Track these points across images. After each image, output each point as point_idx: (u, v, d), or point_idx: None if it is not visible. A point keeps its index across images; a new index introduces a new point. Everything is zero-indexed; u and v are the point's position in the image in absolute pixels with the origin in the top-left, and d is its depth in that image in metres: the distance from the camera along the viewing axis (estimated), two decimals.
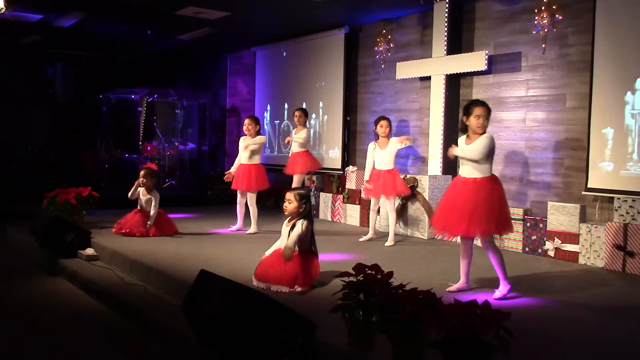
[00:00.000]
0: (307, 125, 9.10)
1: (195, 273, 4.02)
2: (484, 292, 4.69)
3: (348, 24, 9.42)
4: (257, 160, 7.58)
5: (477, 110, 4.69)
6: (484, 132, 4.71)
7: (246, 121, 7.65)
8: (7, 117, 11.74)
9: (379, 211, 7.75)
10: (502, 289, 4.64)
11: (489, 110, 4.76)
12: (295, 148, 8.61)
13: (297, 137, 8.56)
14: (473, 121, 4.71)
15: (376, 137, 7.10)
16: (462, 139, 4.87)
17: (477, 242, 5.13)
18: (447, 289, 4.77)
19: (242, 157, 7.59)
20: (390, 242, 6.89)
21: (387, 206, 7.06)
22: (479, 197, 4.56)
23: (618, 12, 6.13)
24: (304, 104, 10.35)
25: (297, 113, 8.66)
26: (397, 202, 7.52)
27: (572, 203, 6.32)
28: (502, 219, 4.62)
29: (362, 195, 8.30)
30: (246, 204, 7.59)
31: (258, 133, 7.64)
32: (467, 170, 4.69)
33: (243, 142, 7.61)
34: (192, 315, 3.80)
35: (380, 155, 6.99)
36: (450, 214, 4.67)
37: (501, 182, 4.83)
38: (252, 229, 7.47)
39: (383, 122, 7.01)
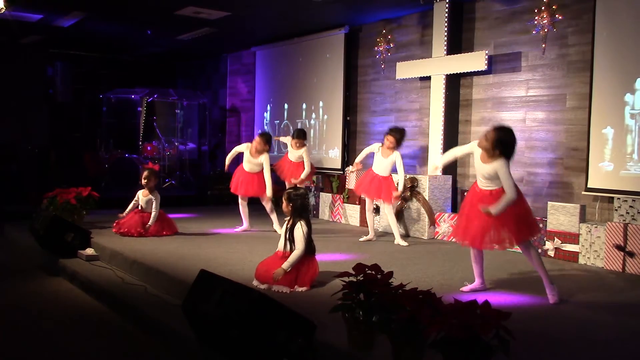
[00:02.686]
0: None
1: (195, 273, 4.02)
2: (486, 293, 4.70)
3: (348, 24, 9.42)
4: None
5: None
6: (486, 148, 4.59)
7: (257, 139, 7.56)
8: (7, 117, 11.75)
9: (378, 211, 7.75)
10: (549, 292, 4.56)
11: (493, 133, 4.56)
12: (293, 158, 8.49)
13: (296, 157, 8.44)
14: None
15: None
16: (478, 153, 4.68)
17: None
18: (460, 289, 4.79)
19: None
20: (399, 240, 7.00)
21: (386, 210, 7.13)
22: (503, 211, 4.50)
23: (618, 12, 6.13)
24: (304, 104, 10.36)
25: (294, 140, 8.38)
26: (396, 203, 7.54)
27: (572, 203, 6.32)
28: (529, 223, 4.62)
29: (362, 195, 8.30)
30: (247, 204, 7.69)
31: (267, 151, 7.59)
32: (484, 184, 4.66)
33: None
34: (192, 315, 3.80)
35: (380, 161, 7.06)
36: (481, 230, 4.57)
37: None
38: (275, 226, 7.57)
39: (391, 138, 6.97)
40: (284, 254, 4.82)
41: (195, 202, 10.86)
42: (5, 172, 10.96)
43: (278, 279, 4.65)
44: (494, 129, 4.60)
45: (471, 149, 4.81)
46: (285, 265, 4.68)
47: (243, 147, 7.68)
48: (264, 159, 7.48)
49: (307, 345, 3.35)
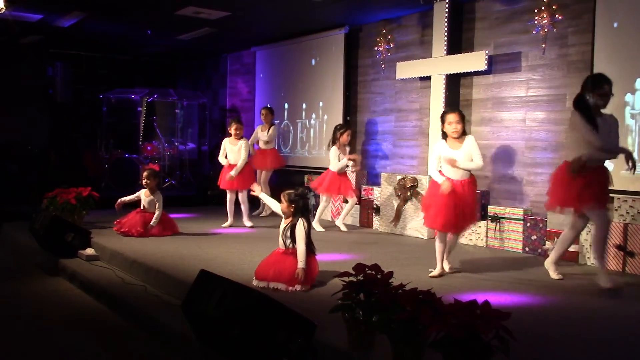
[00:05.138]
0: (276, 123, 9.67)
1: (195, 273, 4.02)
2: (486, 293, 4.70)
3: (348, 24, 9.42)
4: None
5: (450, 118, 5.20)
6: (462, 135, 5.24)
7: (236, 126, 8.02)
8: (7, 117, 11.74)
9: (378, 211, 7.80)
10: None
11: (463, 116, 5.26)
12: (262, 145, 9.09)
13: (267, 136, 9.04)
14: (448, 128, 5.22)
15: (338, 143, 7.81)
16: (443, 144, 5.31)
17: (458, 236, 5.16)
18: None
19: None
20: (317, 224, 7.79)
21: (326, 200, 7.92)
22: (473, 197, 5.38)
23: (618, 12, 6.13)
24: (304, 104, 10.36)
25: (263, 112, 9.12)
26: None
27: None
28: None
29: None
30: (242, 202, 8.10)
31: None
32: (460, 174, 5.24)
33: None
34: (192, 315, 3.80)
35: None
36: (460, 214, 5.22)
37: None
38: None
39: (349, 132, 7.89)
40: (286, 250, 4.86)
41: (195, 202, 10.87)
42: (5, 172, 10.96)
43: (302, 278, 4.70)
44: (457, 112, 5.21)
45: (439, 152, 5.29)
46: (300, 264, 4.72)
47: (224, 144, 7.96)
48: (243, 142, 7.88)
49: (307, 345, 3.35)
